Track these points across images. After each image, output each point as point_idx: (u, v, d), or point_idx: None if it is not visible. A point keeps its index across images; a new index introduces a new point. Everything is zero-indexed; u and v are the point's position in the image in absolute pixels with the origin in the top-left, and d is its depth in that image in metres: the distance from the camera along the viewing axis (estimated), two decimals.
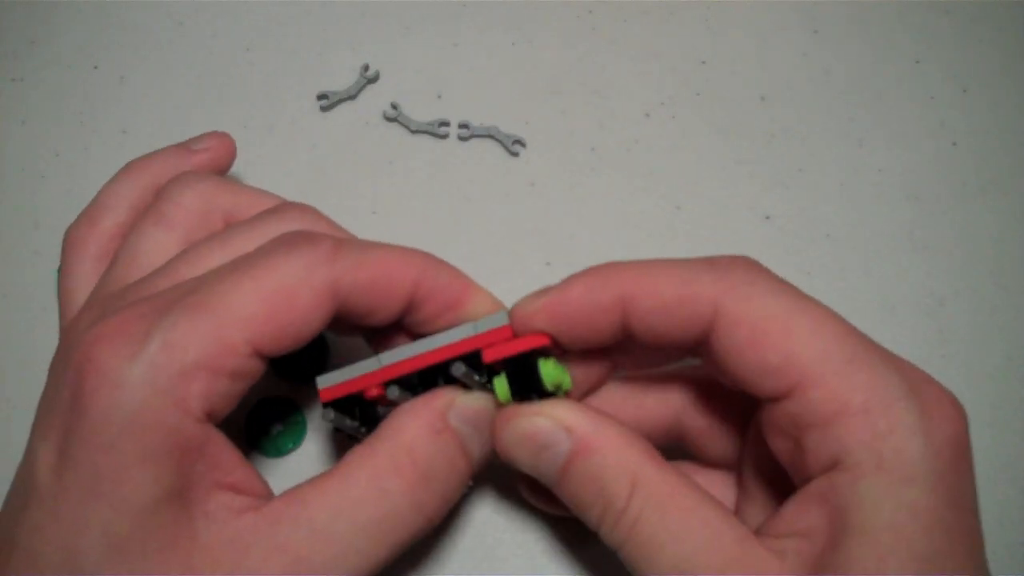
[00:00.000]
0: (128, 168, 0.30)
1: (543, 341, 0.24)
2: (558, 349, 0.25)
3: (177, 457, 0.21)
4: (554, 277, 0.36)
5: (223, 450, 0.22)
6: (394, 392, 0.24)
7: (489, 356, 0.24)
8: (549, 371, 0.24)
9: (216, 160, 0.31)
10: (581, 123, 0.40)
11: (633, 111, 0.41)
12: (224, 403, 0.22)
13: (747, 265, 0.23)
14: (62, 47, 0.43)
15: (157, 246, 0.26)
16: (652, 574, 0.21)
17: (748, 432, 0.26)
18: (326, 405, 0.25)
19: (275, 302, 0.22)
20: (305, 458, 0.32)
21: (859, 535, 0.19)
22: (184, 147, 0.31)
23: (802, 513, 0.21)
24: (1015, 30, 0.43)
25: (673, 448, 0.27)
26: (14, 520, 0.21)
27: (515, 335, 0.24)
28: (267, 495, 0.24)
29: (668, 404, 0.27)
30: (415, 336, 0.26)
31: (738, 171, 0.39)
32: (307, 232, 0.24)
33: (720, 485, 0.27)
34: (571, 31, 0.43)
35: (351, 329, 0.27)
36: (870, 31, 0.43)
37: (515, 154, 0.39)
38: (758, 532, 0.22)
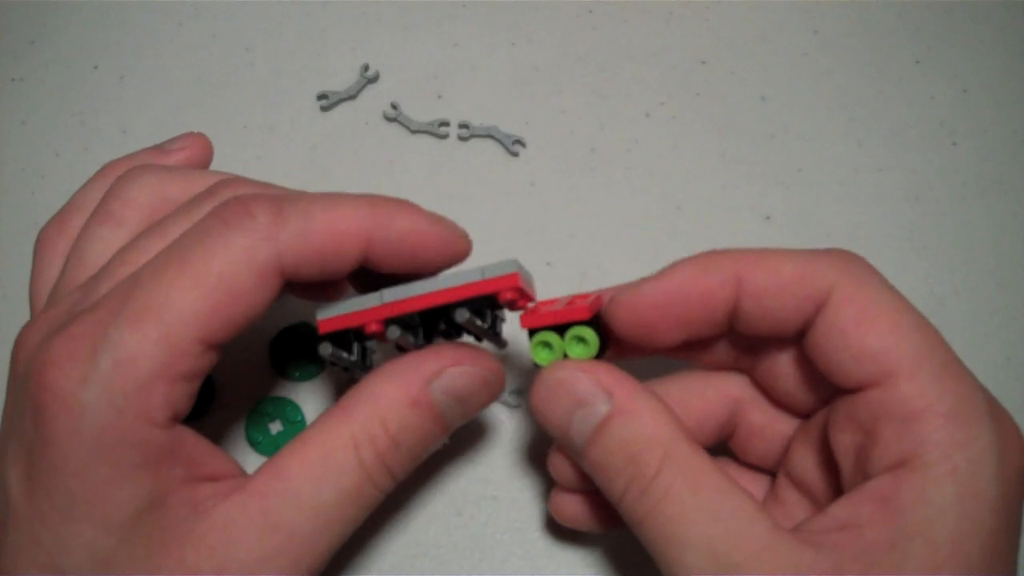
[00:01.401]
0: (103, 170, 0.30)
1: (584, 316, 0.24)
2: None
3: (151, 467, 0.21)
4: (554, 277, 0.36)
5: (194, 445, 0.22)
6: (395, 332, 0.24)
7: (527, 322, 0.24)
8: (586, 335, 0.24)
9: (192, 160, 0.30)
10: (581, 123, 0.40)
11: (633, 111, 0.41)
12: (186, 401, 0.22)
13: (858, 258, 0.23)
14: (62, 47, 0.43)
15: (104, 246, 0.25)
16: (677, 552, 0.21)
17: (804, 431, 0.25)
18: (323, 337, 0.25)
19: (219, 293, 0.21)
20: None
21: (921, 538, 0.19)
22: (159, 148, 0.30)
23: (853, 510, 0.21)
24: (1015, 30, 0.43)
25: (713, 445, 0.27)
26: None
27: (599, 314, 0.25)
28: (241, 473, 0.23)
29: (727, 399, 0.27)
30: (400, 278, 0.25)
31: (738, 171, 0.39)
32: (241, 200, 0.22)
33: (752, 485, 0.27)
34: (571, 31, 0.43)
35: (306, 290, 0.26)
36: (870, 31, 0.43)
37: (515, 154, 0.39)
38: (796, 528, 0.21)
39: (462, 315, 0.24)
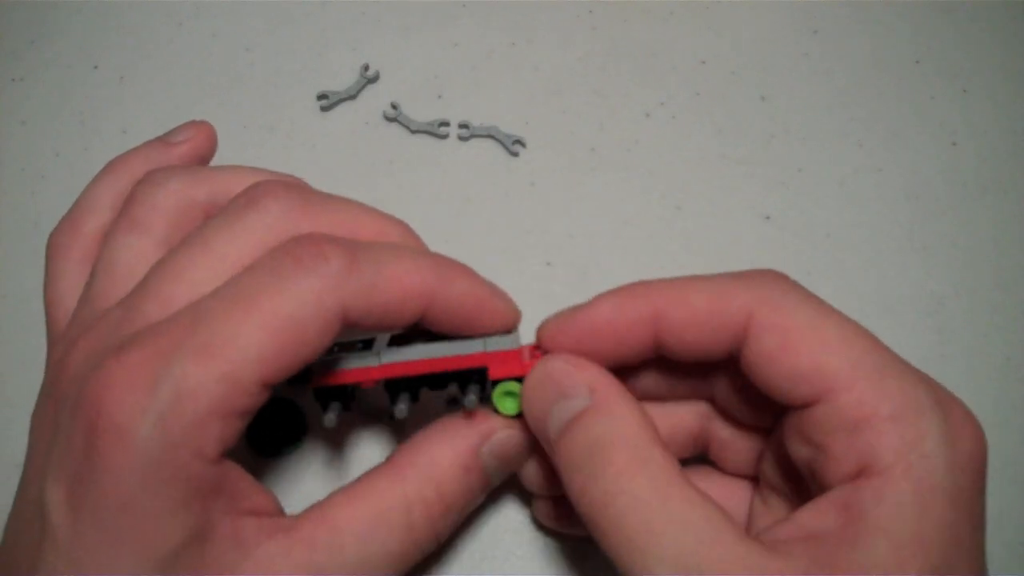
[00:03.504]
0: (108, 168, 0.29)
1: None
2: None
3: (198, 501, 0.21)
4: (554, 277, 0.36)
5: (239, 478, 0.22)
6: (402, 412, 0.25)
7: (495, 374, 0.24)
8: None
9: (197, 150, 0.30)
10: (581, 123, 0.40)
11: (633, 111, 0.41)
12: (236, 437, 0.22)
13: (776, 277, 0.23)
14: (62, 47, 0.43)
15: (134, 255, 0.25)
16: (644, 563, 0.20)
17: (769, 444, 0.26)
18: (316, 391, 0.25)
19: (285, 336, 0.21)
20: (305, 458, 0.32)
21: (883, 537, 0.19)
22: (163, 140, 0.30)
23: (817, 517, 0.21)
24: (1015, 30, 0.43)
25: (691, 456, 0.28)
26: (29, 562, 0.21)
27: (540, 349, 0.25)
28: (280, 510, 0.24)
29: (697, 414, 0.27)
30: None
31: (738, 171, 0.39)
32: (315, 241, 0.22)
33: (736, 492, 0.27)
34: (571, 31, 0.43)
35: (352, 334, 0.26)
36: (870, 31, 0.43)
37: (515, 154, 0.39)
38: (762, 534, 0.21)
39: (452, 389, 0.24)
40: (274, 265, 0.22)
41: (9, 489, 0.23)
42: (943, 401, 0.21)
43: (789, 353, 0.21)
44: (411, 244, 0.25)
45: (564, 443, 0.23)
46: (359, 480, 0.24)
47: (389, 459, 0.25)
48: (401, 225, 0.26)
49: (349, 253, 0.22)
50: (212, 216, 0.26)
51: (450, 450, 0.24)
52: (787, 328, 0.22)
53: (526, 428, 0.25)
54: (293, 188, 0.25)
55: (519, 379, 0.25)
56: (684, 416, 0.27)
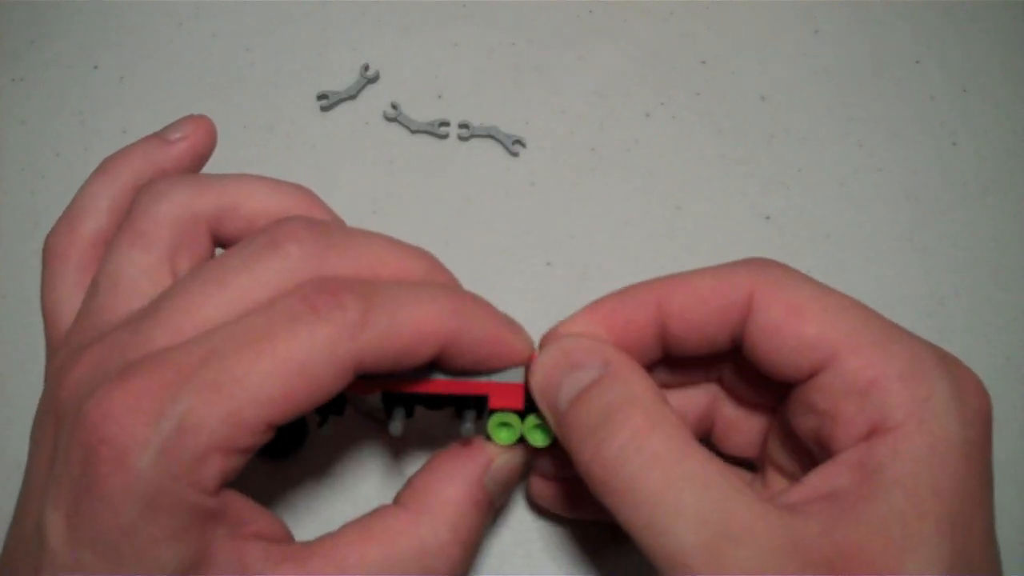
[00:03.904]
0: (103, 167, 0.28)
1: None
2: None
3: (197, 530, 0.20)
4: (554, 277, 0.36)
5: (241, 505, 0.22)
6: (396, 428, 0.25)
7: (496, 404, 0.24)
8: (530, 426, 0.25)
9: (195, 147, 0.29)
10: (581, 123, 0.40)
11: (633, 111, 0.41)
12: (237, 471, 0.21)
13: (774, 262, 0.24)
14: (62, 47, 0.43)
15: (139, 270, 0.24)
16: (666, 522, 0.20)
17: (774, 420, 0.26)
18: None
19: (296, 381, 0.21)
20: (305, 460, 0.32)
21: (900, 489, 0.19)
22: (160, 137, 0.29)
23: (830, 478, 0.21)
24: (1015, 30, 0.43)
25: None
26: None
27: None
28: (287, 535, 0.23)
29: (704, 394, 0.27)
30: None
31: (738, 171, 0.39)
32: (332, 290, 0.22)
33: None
34: (571, 31, 0.43)
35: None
36: (870, 31, 0.43)
37: (515, 154, 0.39)
38: (773, 501, 0.21)
39: (463, 416, 0.24)
40: (290, 310, 0.21)
41: (9, 489, 0.23)
42: (949, 361, 0.22)
43: (793, 323, 0.22)
44: (437, 278, 0.25)
45: (575, 410, 0.23)
46: (370, 517, 0.24)
47: (398, 499, 0.24)
48: (426, 258, 0.25)
49: (366, 301, 0.22)
50: (219, 232, 0.26)
51: (460, 487, 0.24)
52: (790, 300, 0.22)
53: (520, 450, 0.25)
54: (316, 229, 0.24)
55: (517, 412, 0.25)
56: (690, 398, 0.27)
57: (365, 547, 0.23)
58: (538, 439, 0.25)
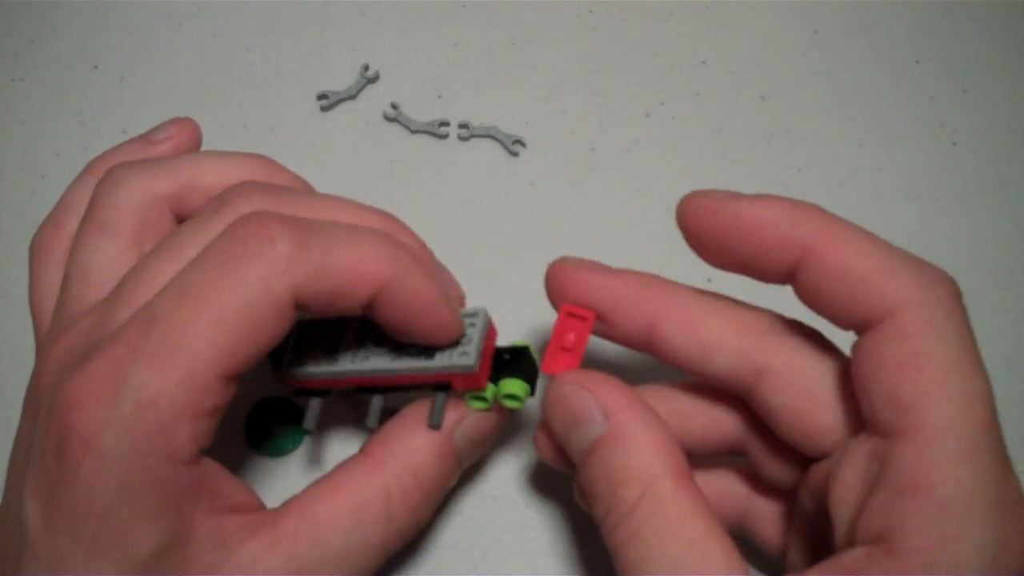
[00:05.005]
0: (90, 167, 0.29)
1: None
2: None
3: (176, 505, 0.21)
4: None
5: (218, 477, 0.22)
6: (372, 422, 0.25)
7: (460, 387, 0.25)
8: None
9: (179, 148, 0.29)
10: (581, 123, 0.40)
11: (633, 111, 0.41)
12: (210, 434, 0.21)
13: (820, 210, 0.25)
14: (62, 47, 0.43)
15: (106, 259, 0.24)
16: None
17: (791, 520, 0.25)
18: (296, 392, 0.26)
19: (238, 329, 0.20)
20: (305, 458, 0.32)
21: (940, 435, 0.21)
22: (145, 138, 0.29)
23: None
24: (1015, 30, 0.43)
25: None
26: (10, 571, 0.21)
27: (526, 351, 0.25)
28: (260, 504, 0.24)
29: (736, 420, 0.26)
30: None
31: (738, 171, 0.39)
32: (262, 221, 0.21)
33: (772, 516, 0.26)
34: (571, 31, 0.43)
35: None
36: (870, 31, 0.43)
37: (515, 154, 0.39)
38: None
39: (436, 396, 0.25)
40: (220, 253, 0.21)
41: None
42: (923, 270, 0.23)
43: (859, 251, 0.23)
44: (399, 238, 0.25)
45: (585, 471, 0.23)
46: (336, 471, 0.24)
47: (364, 449, 0.25)
48: (384, 217, 0.26)
49: (298, 233, 0.21)
50: (181, 211, 0.26)
51: (425, 437, 0.25)
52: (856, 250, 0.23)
53: (497, 411, 0.26)
54: (268, 189, 0.24)
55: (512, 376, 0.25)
56: (722, 418, 0.26)
57: (334, 499, 0.23)
58: (512, 404, 0.25)
